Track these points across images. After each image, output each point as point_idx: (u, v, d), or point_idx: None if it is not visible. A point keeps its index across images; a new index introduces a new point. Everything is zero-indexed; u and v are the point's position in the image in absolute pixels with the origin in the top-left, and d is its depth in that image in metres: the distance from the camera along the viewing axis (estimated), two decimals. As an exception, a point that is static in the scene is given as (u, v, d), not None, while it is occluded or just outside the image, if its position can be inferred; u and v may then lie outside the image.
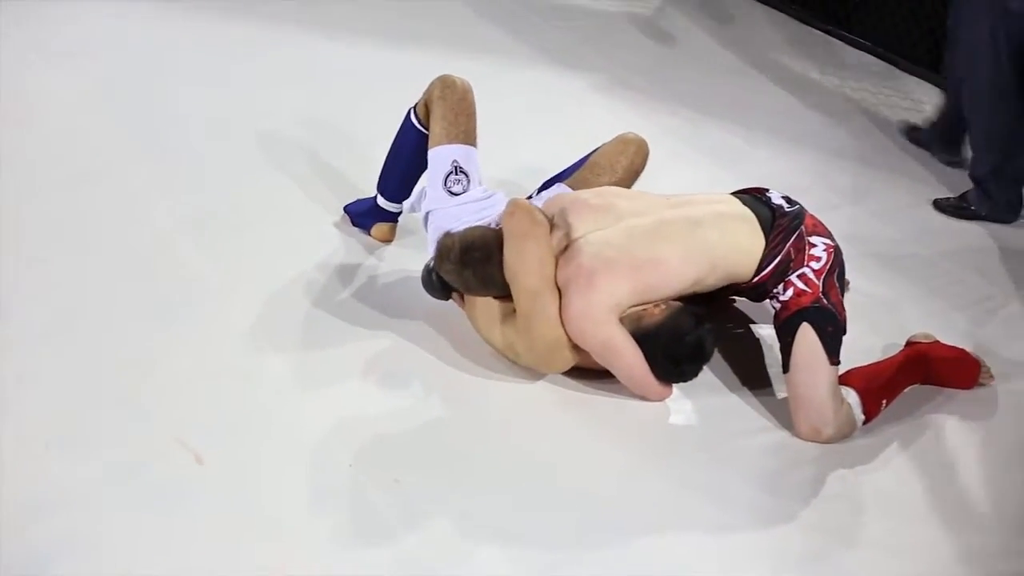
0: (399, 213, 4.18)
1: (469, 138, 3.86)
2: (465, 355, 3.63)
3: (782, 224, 3.51)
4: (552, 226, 3.43)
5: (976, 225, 4.72)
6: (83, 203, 4.33)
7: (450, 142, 3.82)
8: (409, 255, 4.09)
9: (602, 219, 3.47)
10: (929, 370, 3.63)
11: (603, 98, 5.73)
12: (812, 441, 3.38)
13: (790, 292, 3.45)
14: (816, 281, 3.44)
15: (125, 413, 3.27)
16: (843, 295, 3.53)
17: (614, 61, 6.21)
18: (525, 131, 5.01)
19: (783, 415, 3.48)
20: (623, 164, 3.90)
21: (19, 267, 3.91)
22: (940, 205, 4.87)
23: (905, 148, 5.36)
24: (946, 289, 4.24)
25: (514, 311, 3.42)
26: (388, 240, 4.21)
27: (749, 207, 3.57)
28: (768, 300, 3.55)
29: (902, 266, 4.35)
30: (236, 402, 3.35)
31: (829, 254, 3.50)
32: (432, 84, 3.91)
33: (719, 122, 5.50)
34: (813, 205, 4.38)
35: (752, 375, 3.67)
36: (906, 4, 6.31)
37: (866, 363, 3.58)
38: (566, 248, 3.41)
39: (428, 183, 3.86)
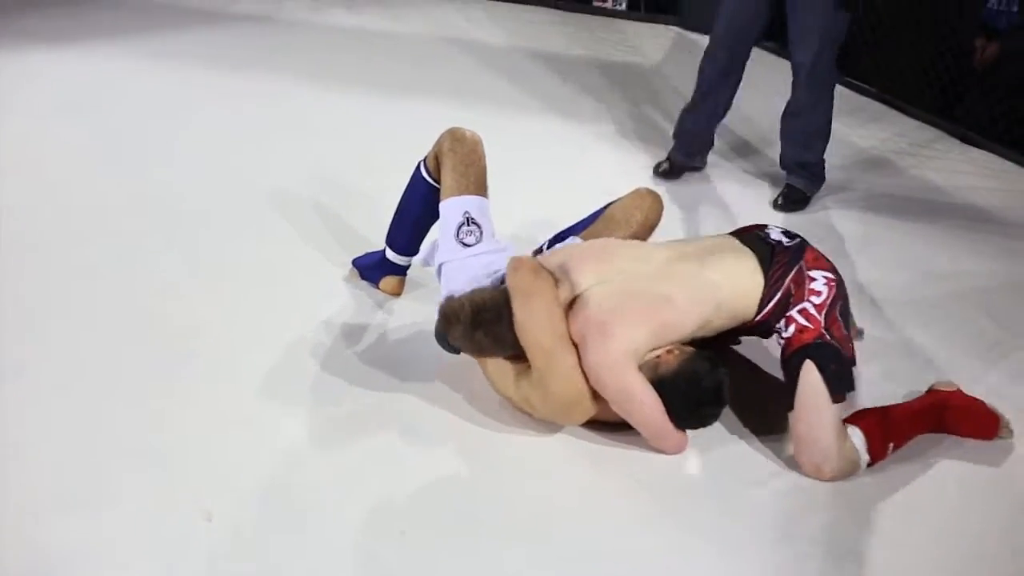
0: (408, 266, 4.17)
1: (480, 189, 3.85)
2: (477, 408, 3.60)
3: (781, 260, 3.51)
4: (555, 280, 3.42)
5: (982, 265, 4.71)
6: (87, 259, 4.34)
7: (461, 194, 3.81)
8: (418, 308, 4.08)
9: (604, 269, 3.47)
10: (945, 419, 3.60)
11: (610, 148, 5.75)
12: (813, 477, 3.38)
13: (792, 328, 3.43)
14: (818, 316, 3.42)
15: (134, 470, 3.25)
16: (850, 331, 3.51)
17: (620, 111, 6.23)
18: (532, 182, 5.01)
19: (791, 458, 3.46)
20: (638, 219, 3.89)
21: (24, 323, 3.90)
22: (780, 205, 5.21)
23: (912, 191, 5.37)
24: (955, 334, 4.21)
25: (527, 365, 3.40)
26: (397, 294, 4.20)
27: (748, 245, 3.57)
28: (773, 336, 3.54)
29: (911, 311, 4.32)
30: (245, 458, 3.33)
31: (831, 288, 3.49)
32: (442, 137, 3.91)
33: (727, 170, 5.51)
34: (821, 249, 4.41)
35: (759, 419, 3.64)
36: (913, 49, 6.34)
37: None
38: (573, 302, 3.40)
39: (440, 235, 3.84)
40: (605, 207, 3.96)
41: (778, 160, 5.33)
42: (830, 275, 3.53)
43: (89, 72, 6.33)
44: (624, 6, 8.41)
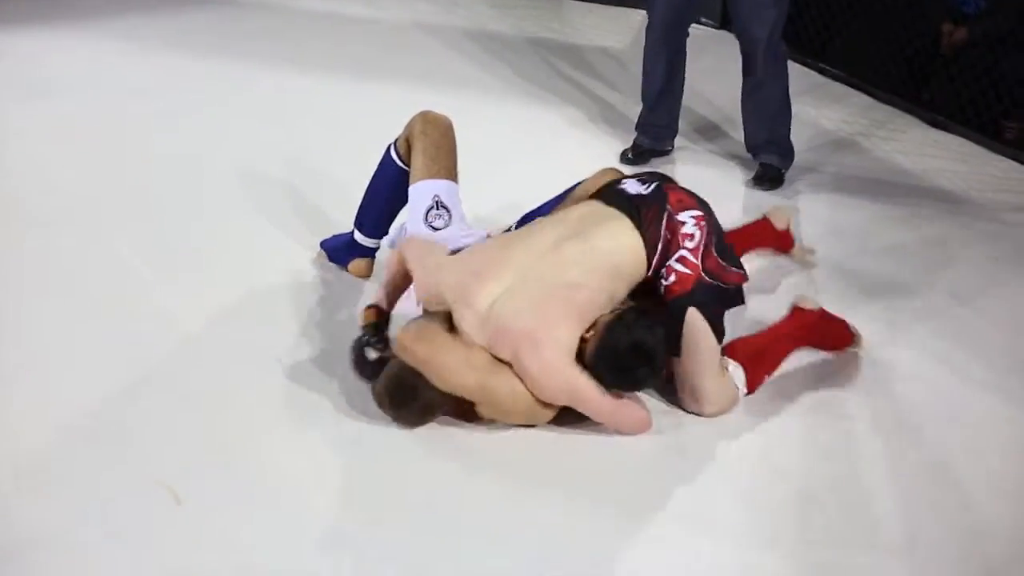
0: (376, 248, 4.17)
1: (451, 174, 3.85)
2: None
3: (648, 212, 3.51)
4: (453, 311, 3.40)
5: (950, 247, 4.75)
6: (53, 241, 4.34)
7: (432, 177, 3.81)
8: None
9: (502, 275, 3.40)
10: (810, 337, 3.81)
11: (580, 133, 5.76)
12: (694, 412, 3.55)
13: (672, 277, 3.48)
14: (694, 260, 3.48)
15: (99, 452, 3.24)
16: (727, 258, 3.59)
17: (590, 96, 6.24)
18: (502, 166, 5.02)
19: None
20: None
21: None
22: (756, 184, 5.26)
23: (881, 175, 5.40)
24: (921, 314, 4.24)
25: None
26: (366, 276, 4.20)
27: (613, 206, 3.55)
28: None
29: (880, 297, 4.35)
30: (214, 443, 3.32)
31: (700, 227, 3.52)
32: (413, 120, 3.91)
33: (699, 155, 5.52)
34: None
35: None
36: (882, 34, 6.36)
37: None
38: (484, 321, 3.35)
39: (408, 218, 3.85)
40: (572, 188, 3.94)
41: (743, 141, 5.35)
42: (697, 212, 3.56)
43: (58, 54, 6.31)
44: (595, -9, 8.40)
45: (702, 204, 3.61)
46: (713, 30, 7.35)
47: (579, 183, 3.94)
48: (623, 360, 3.32)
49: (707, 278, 3.49)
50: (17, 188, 4.73)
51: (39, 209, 4.56)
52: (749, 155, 5.33)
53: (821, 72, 6.72)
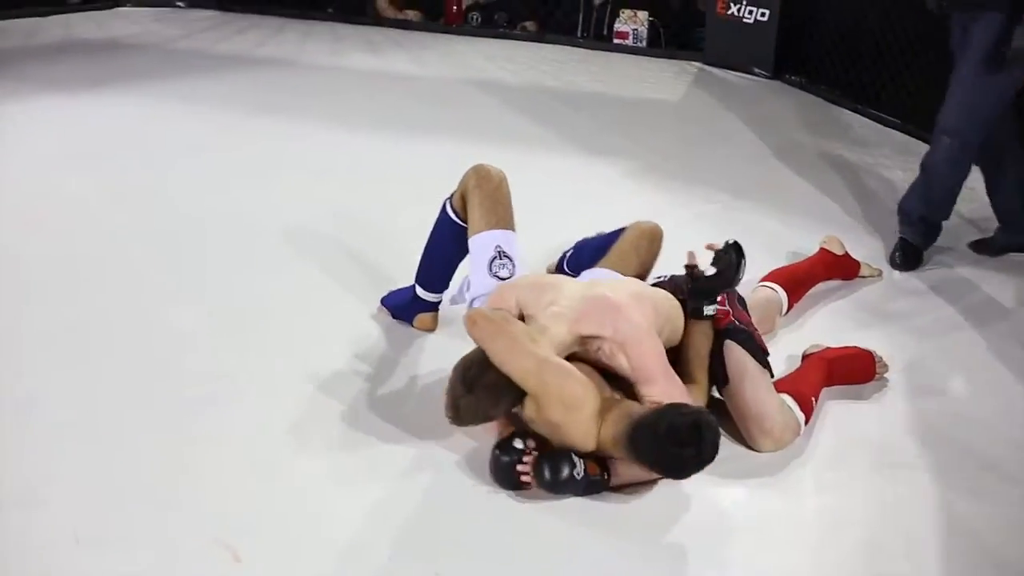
0: (439, 303, 4.17)
1: (507, 224, 3.87)
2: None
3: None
4: (530, 310, 3.47)
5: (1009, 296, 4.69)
6: (105, 300, 4.34)
7: (491, 228, 3.83)
8: (452, 344, 4.03)
9: (575, 289, 3.54)
10: (835, 371, 3.87)
11: (634, 184, 5.74)
12: (765, 448, 3.54)
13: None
14: (723, 308, 3.62)
15: (157, 511, 3.22)
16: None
17: (644, 147, 6.23)
18: (557, 219, 5.00)
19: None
20: (644, 247, 3.97)
21: (45, 368, 3.89)
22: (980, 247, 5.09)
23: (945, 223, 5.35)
24: (985, 361, 4.17)
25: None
26: (431, 329, 4.20)
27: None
28: None
29: (945, 344, 4.29)
30: (272, 499, 3.30)
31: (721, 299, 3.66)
32: (467, 175, 3.92)
33: (752, 205, 5.49)
34: (851, 286, 4.40)
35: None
36: (936, 80, 6.30)
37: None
38: (572, 302, 3.43)
39: (472, 270, 3.84)
40: (620, 231, 4.02)
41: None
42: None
43: (108, 117, 6.38)
44: (645, 43, 8.42)
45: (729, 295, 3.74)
46: (766, 80, 7.33)
47: (627, 228, 3.99)
48: (674, 441, 3.16)
49: (738, 323, 3.64)
50: (68, 248, 4.74)
51: (93, 271, 4.57)
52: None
53: (876, 120, 6.68)
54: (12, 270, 4.56)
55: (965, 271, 4.89)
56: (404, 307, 4.22)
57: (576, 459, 3.26)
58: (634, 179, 5.82)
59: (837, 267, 4.62)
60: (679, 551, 3.18)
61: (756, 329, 3.73)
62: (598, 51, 8.35)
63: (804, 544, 3.24)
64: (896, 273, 4.82)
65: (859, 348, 3.99)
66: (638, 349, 3.34)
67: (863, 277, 4.70)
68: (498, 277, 3.74)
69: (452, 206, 3.97)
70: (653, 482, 3.37)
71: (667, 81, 7.52)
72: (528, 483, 3.29)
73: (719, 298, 3.61)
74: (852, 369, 3.94)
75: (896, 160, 6.14)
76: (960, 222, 5.29)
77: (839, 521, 3.32)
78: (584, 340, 3.39)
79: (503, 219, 3.84)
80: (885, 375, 3.98)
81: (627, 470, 3.33)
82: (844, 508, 3.37)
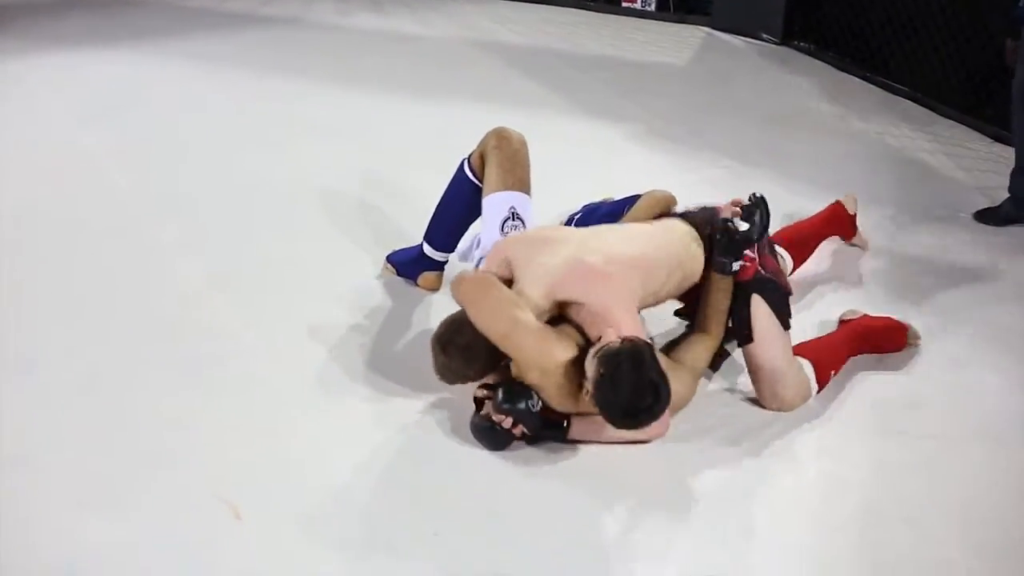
0: (446, 262, 4.18)
1: (524, 187, 3.88)
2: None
3: (705, 220, 3.66)
4: (516, 270, 3.47)
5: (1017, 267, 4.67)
6: (113, 260, 4.35)
7: (507, 189, 3.84)
8: (456, 305, 4.05)
9: (568, 242, 3.51)
10: (866, 340, 3.91)
11: (641, 148, 5.73)
12: (774, 408, 3.61)
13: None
14: (751, 254, 3.61)
15: (158, 470, 3.24)
16: (778, 262, 3.83)
17: (651, 111, 6.21)
18: (564, 182, 4.98)
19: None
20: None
21: (48, 324, 3.91)
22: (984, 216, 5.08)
23: (944, 193, 5.33)
24: (982, 329, 4.17)
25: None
26: (435, 288, 4.20)
27: (682, 220, 3.72)
28: None
29: (946, 311, 4.29)
30: (273, 458, 3.31)
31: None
32: (487, 136, 3.94)
33: (758, 171, 5.47)
34: (854, 253, 4.40)
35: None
36: (944, 49, 6.29)
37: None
38: (553, 267, 3.41)
39: (484, 229, 3.85)
40: (632, 198, 4.00)
41: None
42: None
43: (116, 75, 6.37)
44: (653, 7, 8.39)
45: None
46: (774, 46, 7.30)
47: (641, 196, 3.94)
48: (630, 396, 3.19)
49: (763, 272, 3.63)
50: (75, 206, 4.75)
51: (97, 228, 4.58)
52: None
53: (883, 87, 6.65)
54: (16, 228, 4.56)
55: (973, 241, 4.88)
56: (409, 264, 4.22)
57: (534, 394, 3.32)
58: (640, 143, 5.80)
59: (843, 224, 4.62)
60: (675, 512, 3.19)
61: (782, 273, 3.76)
62: (606, 14, 8.31)
63: (803, 508, 3.25)
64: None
65: (893, 320, 4.00)
66: (610, 319, 3.30)
67: (852, 244, 4.70)
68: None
69: (470, 165, 3.99)
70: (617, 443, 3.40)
71: (675, 45, 7.49)
72: (501, 424, 3.33)
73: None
74: (883, 340, 3.96)
75: (902, 128, 6.11)
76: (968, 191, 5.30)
77: (838, 486, 3.33)
78: (563, 304, 3.40)
79: (520, 181, 3.87)
80: (917, 344, 4.01)
81: (587, 427, 3.38)
82: (844, 473, 3.39)
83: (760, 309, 3.59)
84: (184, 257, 4.39)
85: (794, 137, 5.89)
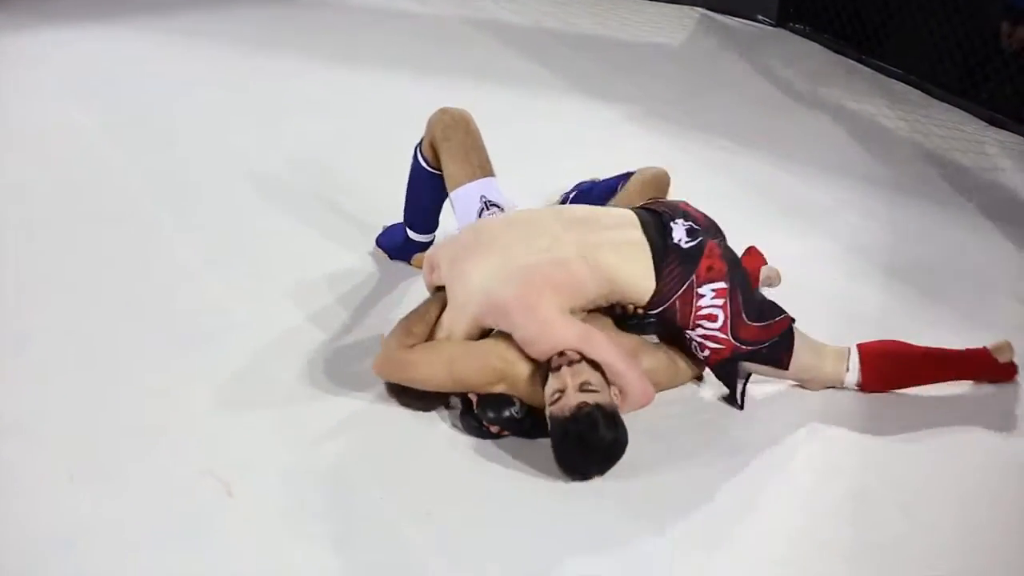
0: (432, 242, 4.16)
1: (486, 170, 3.82)
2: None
3: (673, 268, 3.41)
4: (446, 284, 3.46)
5: (1011, 251, 4.67)
6: (105, 237, 4.35)
7: (470, 179, 3.78)
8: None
9: (490, 254, 3.41)
10: (964, 368, 3.69)
11: (636, 128, 5.71)
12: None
13: (707, 352, 3.48)
14: (724, 337, 3.43)
15: (150, 446, 3.25)
16: (760, 317, 3.49)
17: (646, 91, 6.19)
18: (558, 161, 4.98)
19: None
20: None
21: (40, 298, 3.92)
22: None
23: (942, 175, 5.32)
24: (980, 314, 4.17)
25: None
26: None
27: (647, 233, 3.45)
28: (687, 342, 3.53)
29: (940, 293, 4.29)
30: (265, 435, 3.32)
31: (723, 305, 3.42)
32: (431, 123, 3.87)
33: (752, 152, 5.46)
34: (849, 235, 4.39)
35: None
36: (940, 32, 6.27)
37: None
38: (473, 294, 3.37)
39: (460, 224, 3.79)
40: (628, 174, 3.98)
41: None
42: (721, 285, 3.42)
43: (111, 51, 6.33)
44: (648, -14, 8.35)
45: (731, 271, 3.46)
46: (769, 27, 7.28)
47: (635, 174, 3.93)
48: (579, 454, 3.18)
49: (743, 347, 3.45)
50: (69, 183, 4.74)
51: (91, 205, 4.57)
52: None
53: (878, 70, 6.64)
54: (11, 205, 4.55)
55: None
56: (399, 248, 4.22)
57: (516, 400, 3.31)
58: (635, 123, 5.78)
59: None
60: (665, 496, 3.20)
61: (766, 330, 3.48)
62: (602, -6, 8.29)
63: (795, 492, 3.26)
64: None
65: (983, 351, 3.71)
66: (545, 341, 3.27)
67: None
68: None
69: (423, 154, 3.94)
70: None
71: (669, 26, 7.45)
72: (489, 429, 3.34)
73: (716, 309, 3.42)
74: (988, 370, 3.70)
75: (896, 110, 6.10)
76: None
77: (830, 470, 3.34)
78: None
79: (481, 166, 3.80)
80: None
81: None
82: (835, 457, 3.39)
83: (749, 367, 3.55)
84: (178, 234, 4.38)
85: (788, 119, 5.88)
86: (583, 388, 3.15)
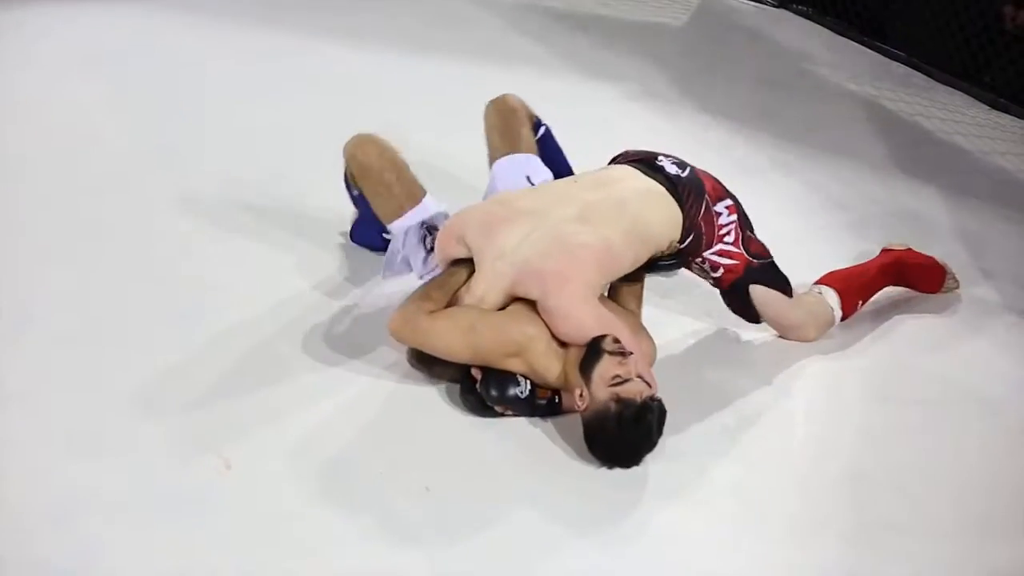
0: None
1: (416, 196, 3.73)
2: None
3: (689, 195, 3.54)
4: (474, 254, 3.43)
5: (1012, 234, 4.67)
6: (105, 209, 4.33)
7: (403, 212, 3.70)
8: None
9: (527, 222, 3.41)
10: (901, 274, 4.01)
11: (636, 108, 5.71)
12: (793, 339, 3.77)
13: (720, 271, 3.61)
14: (737, 250, 3.59)
15: (149, 419, 3.24)
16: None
17: (646, 72, 6.18)
18: (559, 141, 4.98)
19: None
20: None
21: (42, 272, 3.89)
22: None
23: (942, 159, 5.32)
24: (981, 297, 4.18)
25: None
26: None
27: (653, 178, 3.56)
28: (697, 272, 3.67)
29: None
30: (263, 409, 3.32)
31: (734, 218, 3.61)
32: (346, 160, 3.87)
33: (753, 133, 5.46)
34: (849, 216, 4.39)
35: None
36: (943, 15, 6.27)
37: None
38: (509, 262, 3.36)
39: (409, 254, 3.70)
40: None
41: None
42: (729, 202, 3.63)
43: (109, 26, 6.31)
44: (651, -33, 8.33)
45: (729, 193, 3.66)
46: (772, 8, 7.27)
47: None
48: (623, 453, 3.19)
49: (755, 260, 3.59)
50: (70, 157, 4.72)
51: (92, 178, 4.55)
52: None
53: (881, 52, 6.63)
54: (13, 178, 4.55)
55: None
56: (379, 248, 4.00)
57: (521, 379, 3.30)
58: (637, 103, 5.78)
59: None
60: (661, 474, 3.20)
61: (766, 249, 3.67)
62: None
63: (790, 473, 3.27)
64: None
65: (935, 259, 4.07)
66: (571, 322, 3.28)
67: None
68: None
69: (352, 185, 3.92)
70: None
71: (672, 7, 7.44)
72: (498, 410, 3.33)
73: (731, 224, 3.57)
74: (920, 278, 4.05)
75: (899, 93, 6.10)
76: None
77: (826, 450, 3.35)
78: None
79: (409, 194, 3.72)
80: (954, 290, 4.10)
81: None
82: (832, 438, 3.40)
83: (760, 297, 3.64)
84: (179, 209, 4.36)
85: (791, 100, 5.88)
86: (643, 379, 3.17)
